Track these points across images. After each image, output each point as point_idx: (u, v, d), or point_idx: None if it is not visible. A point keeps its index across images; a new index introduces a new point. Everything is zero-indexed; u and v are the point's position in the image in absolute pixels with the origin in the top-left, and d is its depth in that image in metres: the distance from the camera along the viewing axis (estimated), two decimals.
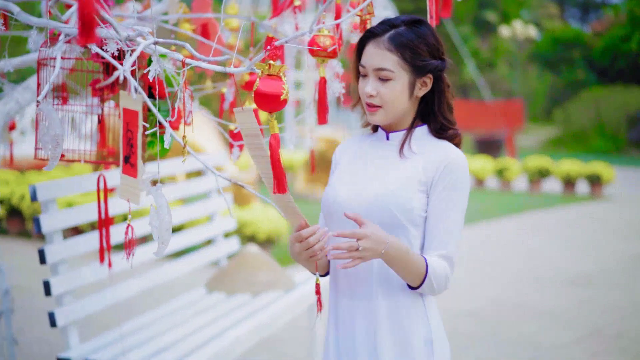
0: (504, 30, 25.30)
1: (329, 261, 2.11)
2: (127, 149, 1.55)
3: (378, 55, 1.96)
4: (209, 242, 4.51)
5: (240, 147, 2.51)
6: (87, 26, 1.34)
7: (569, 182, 13.55)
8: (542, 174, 13.81)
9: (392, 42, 1.95)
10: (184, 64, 1.68)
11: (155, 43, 1.62)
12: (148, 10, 2.68)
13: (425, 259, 1.94)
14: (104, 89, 2.32)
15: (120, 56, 1.88)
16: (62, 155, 2.27)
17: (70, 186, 3.04)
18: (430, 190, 1.98)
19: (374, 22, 2.23)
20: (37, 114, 1.98)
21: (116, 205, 3.23)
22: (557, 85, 30.07)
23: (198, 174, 4.43)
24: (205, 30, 2.70)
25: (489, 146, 19.23)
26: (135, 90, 1.57)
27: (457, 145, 2.07)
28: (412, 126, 2.04)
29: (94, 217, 3.04)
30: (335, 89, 2.15)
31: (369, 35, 1.99)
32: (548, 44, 30.95)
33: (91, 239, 3.12)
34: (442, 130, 2.04)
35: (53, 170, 8.91)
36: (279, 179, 1.68)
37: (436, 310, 2.07)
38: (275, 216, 7.11)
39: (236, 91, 2.65)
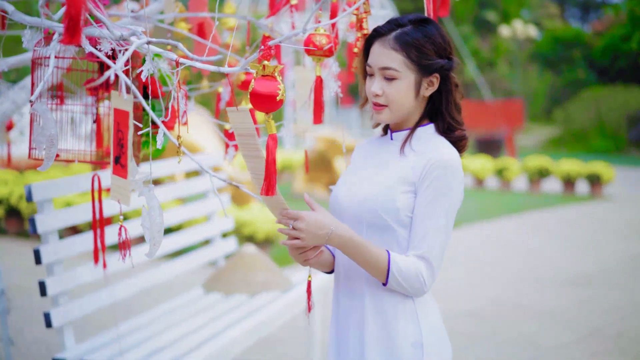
0: (504, 30, 25.28)
1: (333, 259, 2.12)
2: (117, 149, 1.53)
3: (384, 55, 1.95)
4: (206, 242, 4.50)
5: (236, 147, 2.49)
6: (73, 26, 1.32)
7: (568, 182, 13.53)
8: (542, 174, 13.79)
9: (398, 41, 1.94)
10: (177, 63, 1.66)
11: (149, 42, 1.61)
12: (145, 9, 2.67)
13: (388, 254, 1.93)
14: (98, 88, 2.31)
15: (114, 55, 1.87)
16: (57, 155, 2.26)
17: (66, 186, 3.03)
18: (418, 187, 1.96)
19: (369, 21, 2.21)
20: (31, 114, 1.96)
21: (114, 205, 3.21)
22: (557, 84, 30.04)
23: (197, 173, 4.42)
24: (201, 29, 2.68)
25: (489, 146, 19.22)
26: (128, 89, 1.55)
27: (463, 147, 2.04)
28: (416, 126, 2.03)
29: (90, 217, 3.03)
30: (332, 88, 2.14)
31: (375, 35, 1.99)
32: (548, 43, 30.93)
33: (87, 239, 3.10)
34: (450, 130, 2.02)
35: (52, 170, 8.91)
36: (270, 181, 1.66)
37: (432, 312, 2.04)
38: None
39: (232, 91, 2.64)
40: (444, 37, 1.99)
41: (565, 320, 5.50)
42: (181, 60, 1.67)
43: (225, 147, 2.53)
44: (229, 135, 2.51)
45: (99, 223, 2.30)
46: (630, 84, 25.56)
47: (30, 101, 1.76)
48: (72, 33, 1.30)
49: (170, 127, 2.27)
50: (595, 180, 13.24)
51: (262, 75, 1.62)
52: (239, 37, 3.03)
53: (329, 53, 1.96)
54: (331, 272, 2.15)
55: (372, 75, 2.00)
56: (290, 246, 1.92)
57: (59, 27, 1.91)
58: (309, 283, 1.96)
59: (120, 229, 1.67)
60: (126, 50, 1.62)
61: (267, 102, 1.62)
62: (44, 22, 1.91)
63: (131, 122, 1.46)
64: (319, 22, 1.96)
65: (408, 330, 1.98)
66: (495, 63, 31.02)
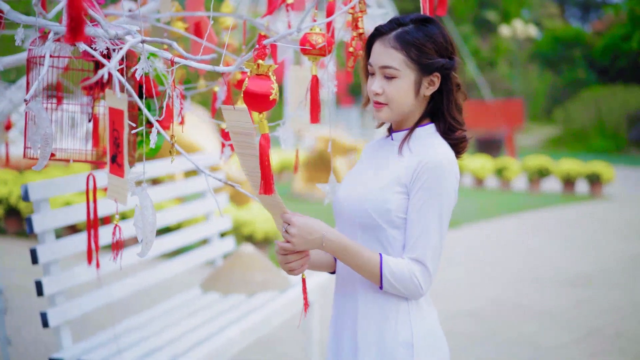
0: (505, 30, 25.28)
1: (334, 260, 2.14)
2: (113, 148, 1.53)
3: (384, 54, 1.95)
4: (204, 242, 4.49)
5: (232, 146, 2.48)
6: (76, 24, 1.32)
7: (568, 182, 13.53)
8: (541, 174, 13.79)
9: (398, 41, 1.94)
10: (172, 62, 1.66)
11: (143, 41, 1.60)
12: (141, 9, 2.66)
13: (381, 257, 1.93)
14: (94, 87, 2.30)
15: (110, 55, 1.86)
16: (53, 155, 2.25)
17: (63, 186, 3.02)
18: (410, 189, 1.96)
19: (367, 20, 2.21)
20: (26, 113, 1.96)
21: (112, 205, 3.21)
22: (557, 84, 30.05)
23: (196, 173, 4.42)
24: (198, 28, 2.68)
25: (489, 145, 19.22)
26: (123, 88, 1.55)
27: (463, 148, 2.04)
28: (415, 125, 2.03)
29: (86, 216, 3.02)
30: (329, 87, 2.13)
31: (376, 34, 1.99)
32: (548, 43, 30.94)
33: (84, 239, 3.09)
34: (450, 131, 2.01)
35: (52, 170, 8.92)
36: (267, 180, 1.65)
37: (427, 314, 2.03)
38: None
39: (228, 90, 2.63)
40: (445, 37, 1.98)
41: (565, 320, 5.50)
42: (176, 59, 1.66)
43: (222, 147, 2.52)
44: (225, 135, 2.50)
45: (93, 223, 2.29)
46: (630, 84, 25.56)
47: (25, 100, 1.75)
48: (75, 32, 1.29)
49: (166, 127, 2.27)
50: (595, 180, 13.24)
51: (256, 75, 1.61)
52: (238, 37, 3.03)
53: (324, 52, 1.96)
54: (334, 272, 2.16)
55: (373, 74, 2.00)
56: (278, 255, 1.94)
57: (54, 26, 1.90)
58: (304, 281, 1.96)
59: (115, 228, 1.66)
60: (120, 49, 1.61)
61: (261, 102, 1.61)
62: (39, 21, 1.91)
63: (126, 121, 1.46)
64: (315, 21, 1.95)
65: (399, 331, 1.98)
66: (496, 63, 31.02)
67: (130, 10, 2.77)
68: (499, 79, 29.55)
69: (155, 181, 7.71)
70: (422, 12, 2.11)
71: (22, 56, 2.56)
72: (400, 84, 1.96)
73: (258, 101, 1.61)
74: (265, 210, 7.13)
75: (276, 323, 3.66)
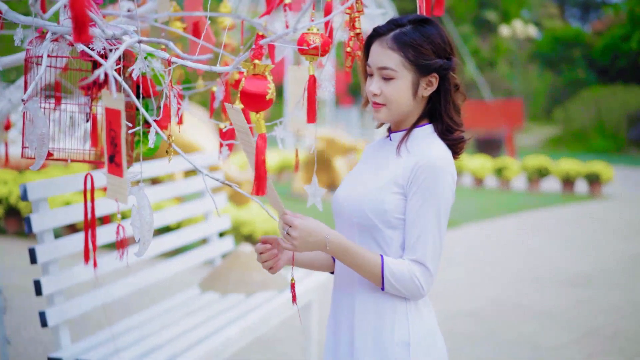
0: (504, 30, 25.29)
1: (333, 260, 2.15)
2: (111, 148, 1.53)
3: (381, 55, 1.96)
4: (203, 242, 4.50)
5: (230, 146, 2.49)
6: (81, 24, 1.32)
7: (568, 182, 13.54)
8: (541, 173, 13.80)
9: (396, 41, 1.95)
10: (169, 62, 1.66)
11: (140, 42, 1.61)
12: (139, 9, 2.67)
13: (382, 258, 1.94)
14: (92, 87, 2.31)
15: (107, 55, 1.86)
16: (51, 154, 2.26)
17: (62, 185, 3.03)
18: (407, 193, 1.96)
19: (366, 20, 2.21)
20: (24, 113, 1.96)
21: (111, 204, 3.21)
22: (557, 84, 30.07)
23: (195, 172, 4.42)
24: (196, 29, 2.68)
25: (488, 145, 19.23)
26: (120, 88, 1.55)
27: (460, 149, 2.04)
28: (413, 126, 2.03)
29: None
30: (326, 87, 2.14)
31: (374, 35, 2.00)
32: (548, 43, 30.96)
33: (83, 238, 3.10)
34: (448, 131, 2.02)
35: (51, 170, 8.93)
36: (260, 180, 1.66)
37: (424, 313, 2.03)
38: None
39: (226, 90, 2.64)
40: (443, 37, 1.98)
41: (565, 320, 5.50)
42: (173, 59, 1.67)
43: (219, 146, 2.53)
44: (224, 135, 2.51)
45: (90, 222, 2.30)
46: (630, 84, 25.58)
47: (23, 100, 1.76)
48: (80, 32, 1.29)
49: (164, 127, 2.27)
50: (594, 180, 13.26)
51: (253, 75, 1.61)
52: (237, 37, 3.03)
53: (321, 52, 1.96)
54: (334, 272, 2.17)
55: (371, 75, 2.01)
56: (285, 248, 1.96)
57: (52, 26, 1.91)
58: (293, 285, 1.97)
59: (118, 227, 1.66)
60: (117, 49, 1.61)
61: (257, 101, 1.61)
62: (36, 21, 1.91)
63: (123, 120, 1.47)
64: (312, 20, 1.95)
65: (396, 330, 1.99)
66: (495, 63, 31.04)
67: (128, 10, 2.78)
68: (499, 79, 29.57)
69: (154, 181, 7.72)
70: (418, 12, 2.11)
71: (20, 56, 2.57)
72: (398, 85, 1.96)
73: (254, 101, 1.62)
74: (263, 210, 7.12)
75: (275, 322, 3.66)
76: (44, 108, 2.18)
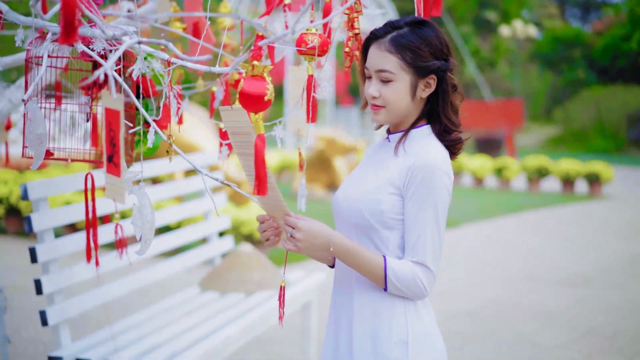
0: (505, 30, 25.30)
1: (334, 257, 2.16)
2: (110, 148, 1.54)
3: (379, 57, 1.97)
4: (203, 241, 4.51)
5: (229, 146, 2.50)
6: (69, 25, 1.33)
7: (567, 181, 13.55)
8: (541, 173, 13.81)
9: (393, 44, 1.96)
10: (169, 63, 1.67)
11: (140, 42, 1.62)
12: (139, 9, 2.68)
13: (384, 259, 1.95)
14: (92, 87, 2.32)
15: (107, 55, 1.88)
16: (51, 154, 2.27)
17: (62, 185, 3.04)
18: (404, 194, 1.98)
19: (366, 19, 2.22)
20: (25, 113, 1.98)
21: (111, 204, 3.22)
22: (557, 84, 30.08)
23: (195, 172, 4.43)
24: (196, 29, 2.69)
25: (488, 145, 19.26)
26: (121, 89, 1.56)
27: (458, 150, 2.05)
28: (411, 127, 2.04)
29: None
30: (325, 87, 2.15)
31: (372, 37, 2.01)
32: (548, 43, 30.97)
33: (83, 238, 3.11)
34: (446, 132, 2.03)
35: (51, 169, 8.94)
36: (261, 180, 1.67)
37: (422, 313, 2.04)
38: None
39: (226, 90, 2.65)
40: (440, 39, 1.99)
41: (565, 320, 5.51)
42: (172, 59, 1.68)
43: (219, 146, 2.54)
44: (224, 134, 2.52)
45: (92, 222, 2.31)
46: (630, 84, 25.59)
47: (23, 100, 1.77)
48: (67, 33, 1.31)
49: (164, 127, 2.29)
50: (594, 180, 13.27)
51: (252, 75, 1.62)
52: (237, 37, 3.05)
53: (320, 52, 1.97)
54: (333, 265, 2.18)
55: (370, 77, 2.02)
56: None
57: (52, 27, 1.92)
58: (282, 288, 1.96)
59: (116, 227, 1.67)
60: (117, 50, 1.63)
61: (256, 102, 1.62)
62: (36, 21, 1.92)
63: (122, 121, 1.48)
64: (313, 22, 1.96)
65: (394, 329, 2.00)
66: (496, 63, 31.05)
67: (129, 11, 2.79)
68: (499, 79, 29.59)
69: (155, 180, 7.74)
70: (416, 13, 2.12)
71: (21, 56, 2.58)
72: (396, 87, 1.97)
73: (253, 102, 1.63)
74: (263, 210, 7.12)
75: (274, 322, 3.67)
76: (45, 108, 2.19)
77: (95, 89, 2.36)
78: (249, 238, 6.83)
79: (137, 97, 2.04)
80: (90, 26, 1.80)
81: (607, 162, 14.09)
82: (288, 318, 4.06)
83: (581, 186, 13.92)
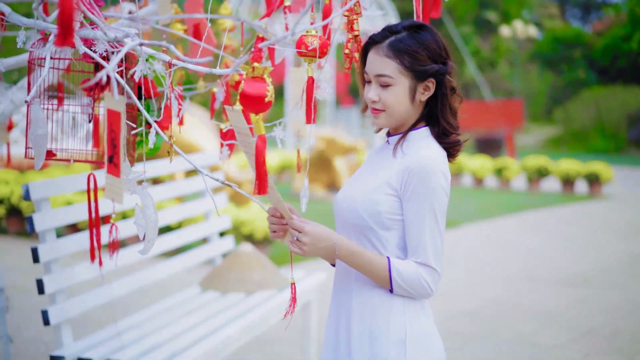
0: (505, 30, 25.31)
1: None
2: (111, 149, 1.56)
3: (378, 62, 1.99)
4: (204, 241, 4.52)
5: (230, 146, 2.52)
6: (66, 27, 1.34)
7: (567, 182, 13.56)
8: (541, 173, 13.82)
9: (391, 49, 1.98)
10: (170, 64, 1.69)
11: (141, 44, 1.63)
12: (140, 11, 2.70)
13: (389, 261, 1.97)
14: (94, 89, 2.34)
15: (109, 56, 1.89)
16: (54, 155, 2.29)
17: (64, 185, 3.05)
18: (402, 195, 2.00)
19: (366, 20, 2.24)
20: (27, 114, 1.99)
21: (112, 204, 3.24)
22: (557, 84, 30.09)
23: (196, 172, 4.44)
24: (197, 30, 2.71)
25: (488, 145, 19.26)
26: (121, 90, 1.58)
27: (456, 152, 2.07)
28: (409, 129, 2.06)
29: (87, 215, 3.05)
30: (325, 88, 2.16)
31: (370, 42, 2.03)
32: (549, 43, 30.97)
33: (85, 238, 3.13)
34: (444, 135, 2.05)
35: (53, 170, 8.95)
36: (261, 180, 1.68)
37: (421, 313, 2.06)
38: None
39: (227, 91, 2.67)
40: (438, 42, 2.01)
41: (564, 319, 5.52)
42: (173, 61, 1.70)
43: (220, 147, 2.56)
44: (224, 135, 2.54)
45: (94, 222, 2.33)
46: (630, 84, 25.59)
47: (26, 102, 1.78)
48: (64, 35, 1.32)
49: (165, 127, 2.30)
50: (594, 180, 13.28)
51: (252, 77, 1.64)
52: (237, 38, 3.07)
53: (320, 54, 1.99)
54: (335, 264, 2.20)
55: (369, 81, 2.04)
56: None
57: (54, 29, 1.94)
58: (293, 285, 2.00)
59: (111, 227, 1.69)
60: (119, 51, 1.64)
61: (256, 103, 1.64)
62: (39, 23, 1.94)
63: (123, 122, 1.49)
64: (313, 23, 1.98)
65: (392, 328, 2.01)
66: (496, 63, 31.06)
67: (130, 13, 2.80)
68: (499, 79, 29.60)
69: (155, 181, 7.75)
70: (414, 14, 2.14)
71: (23, 57, 2.60)
72: (395, 91, 1.99)
73: (254, 103, 1.64)
74: (263, 210, 7.13)
75: (274, 322, 3.69)
76: (47, 109, 2.21)
77: (97, 90, 2.38)
78: (249, 238, 6.84)
79: (139, 98, 2.06)
80: (92, 28, 1.82)
81: (607, 162, 14.10)
82: (288, 318, 4.07)
83: (581, 186, 13.93)
